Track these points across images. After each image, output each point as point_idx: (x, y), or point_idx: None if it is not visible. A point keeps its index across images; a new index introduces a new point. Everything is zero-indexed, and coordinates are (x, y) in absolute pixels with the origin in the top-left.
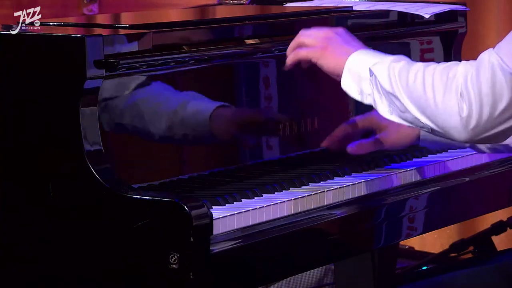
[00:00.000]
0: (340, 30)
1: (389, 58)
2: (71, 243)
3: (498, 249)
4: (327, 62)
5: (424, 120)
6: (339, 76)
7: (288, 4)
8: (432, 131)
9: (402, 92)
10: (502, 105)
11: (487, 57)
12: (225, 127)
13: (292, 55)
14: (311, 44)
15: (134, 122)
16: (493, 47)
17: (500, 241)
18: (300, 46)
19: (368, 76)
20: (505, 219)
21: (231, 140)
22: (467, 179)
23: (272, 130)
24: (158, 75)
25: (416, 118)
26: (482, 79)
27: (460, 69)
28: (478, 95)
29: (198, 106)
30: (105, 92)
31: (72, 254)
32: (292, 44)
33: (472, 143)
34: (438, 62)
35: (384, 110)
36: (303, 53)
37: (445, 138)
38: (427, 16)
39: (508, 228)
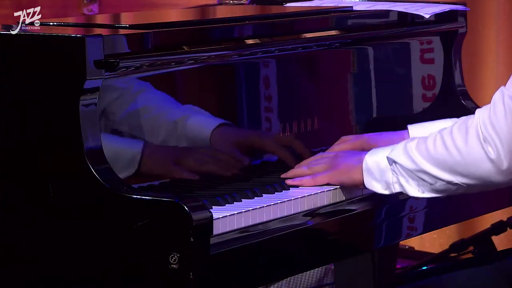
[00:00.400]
0: (342, 152)
1: (402, 142)
2: (71, 243)
3: (498, 249)
4: (346, 177)
5: (457, 180)
6: (362, 184)
7: (288, 4)
8: (468, 187)
9: (426, 163)
10: None
11: (500, 95)
12: (225, 146)
13: (311, 181)
14: (323, 169)
15: (133, 132)
16: (473, 101)
17: (500, 241)
18: (312, 172)
19: (388, 167)
20: (505, 219)
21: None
22: None
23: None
24: (158, 80)
25: (449, 183)
26: (499, 118)
27: (476, 116)
28: (501, 135)
29: (199, 123)
30: (104, 94)
31: (72, 254)
32: (299, 172)
33: None
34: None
35: (414, 191)
36: (323, 180)
37: (485, 189)
38: (427, 16)
39: (508, 228)
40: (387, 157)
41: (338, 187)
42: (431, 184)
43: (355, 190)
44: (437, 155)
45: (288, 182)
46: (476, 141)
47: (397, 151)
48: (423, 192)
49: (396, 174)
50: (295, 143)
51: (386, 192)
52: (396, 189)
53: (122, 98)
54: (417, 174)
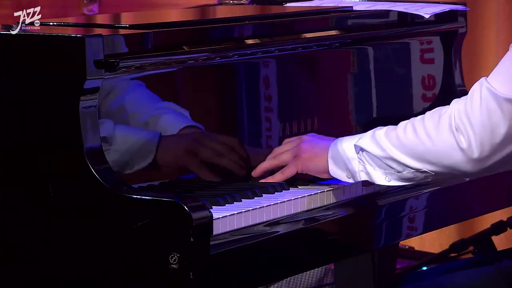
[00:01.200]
0: (308, 135)
1: (370, 131)
2: (71, 243)
3: (498, 249)
4: (311, 164)
5: (426, 167)
6: (327, 172)
7: (288, 4)
8: (436, 176)
9: (395, 150)
10: (501, 131)
11: (478, 86)
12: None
13: (281, 176)
14: (289, 158)
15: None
16: (486, 77)
17: (500, 241)
18: (277, 165)
19: (355, 155)
20: (505, 219)
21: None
22: (467, 179)
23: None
24: (150, 77)
25: (417, 171)
26: (474, 108)
27: (451, 106)
28: (474, 125)
29: (168, 123)
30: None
31: (72, 254)
32: (266, 165)
33: (483, 175)
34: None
35: (381, 179)
36: (290, 171)
37: (453, 178)
38: (427, 16)
39: (508, 228)
40: (355, 145)
41: (338, 187)
42: (398, 171)
43: (355, 189)
44: (407, 142)
45: (259, 179)
46: (448, 129)
47: (365, 139)
48: (390, 181)
49: (363, 162)
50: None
51: (351, 180)
52: (362, 177)
53: (109, 95)
54: (385, 162)
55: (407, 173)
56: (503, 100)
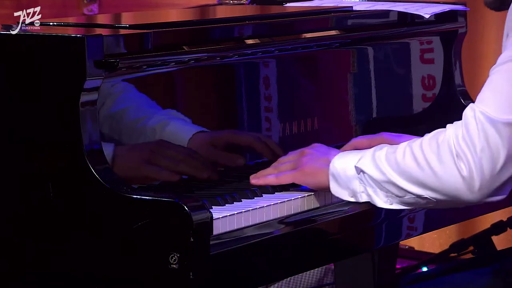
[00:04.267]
0: (316, 145)
1: (370, 150)
2: (71, 243)
3: (498, 249)
4: (311, 179)
5: (427, 194)
6: (328, 188)
7: (288, 4)
8: (438, 203)
9: (395, 175)
10: (501, 156)
11: (471, 112)
12: (203, 152)
13: (275, 180)
14: (289, 169)
15: (112, 134)
16: (473, 101)
17: (500, 241)
18: (278, 171)
19: (355, 175)
20: (505, 219)
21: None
22: None
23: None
24: (150, 78)
25: (417, 197)
26: (473, 134)
27: (448, 132)
28: (474, 152)
29: (176, 131)
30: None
31: (72, 254)
32: (266, 173)
33: (484, 202)
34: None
35: (381, 202)
36: (287, 179)
37: (454, 206)
38: (427, 16)
39: (508, 228)
40: (355, 166)
41: None
42: (399, 196)
43: None
44: (406, 168)
45: (252, 182)
46: (448, 157)
47: (365, 160)
48: (391, 204)
49: (364, 183)
50: (269, 142)
51: (352, 199)
52: (363, 198)
53: (104, 99)
54: (385, 186)
55: (408, 198)
56: (500, 124)
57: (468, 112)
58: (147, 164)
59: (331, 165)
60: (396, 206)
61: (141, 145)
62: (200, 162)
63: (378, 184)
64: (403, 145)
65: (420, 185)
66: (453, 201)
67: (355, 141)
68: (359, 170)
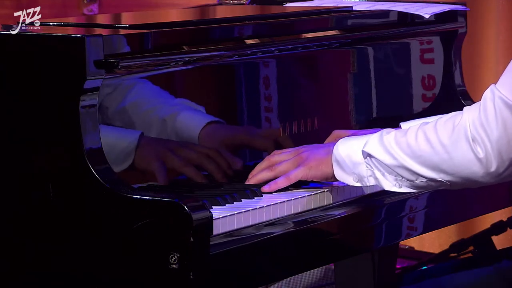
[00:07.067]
0: (303, 147)
1: (376, 134)
2: (71, 243)
3: (498, 249)
4: (317, 170)
5: (441, 177)
6: (332, 176)
7: (288, 4)
8: (452, 185)
9: (408, 159)
10: None
11: (491, 95)
12: (214, 145)
13: (286, 181)
14: (290, 168)
15: (126, 127)
16: (495, 83)
17: (500, 241)
18: (274, 177)
19: (361, 160)
20: (505, 219)
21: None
22: None
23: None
24: (153, 77)
25: (430, 180)
26: (490, 118)
27: (465, 116)
28: (491, 137)
29: (188, 120)
30: (102, 93)
31: (72, 254)
32: (263, 177)
33: (497, 182)
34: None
35: (390, 185)
36: (298, 176)
37: (468, 187)
38: (427, 16)
39: (508, 228)
40: (362, 151)
41: (338, 187)
42: (411, 180)
43: (355, 189)
44: (420, 151)
45: (264, 189)
46: (463, 141)
47: (373, 144)
48: (401, 187)
49: (371, 167)
50: (286, 141)
51: (358, 184)
52: (371, 182)
53: (115, 92)
54: (396, 170)
55: (420, 181)
56: None
57: (488, 95)
58: (174, 155)
59: (334, 151)
60: (405, 190)
61: (167, 140)
62: (224, 163)
63: (388, 168)
64: (413, 128)
65: (434, 168)
66: (468, 183)
67: (337, 132)
68: (366, 154)
